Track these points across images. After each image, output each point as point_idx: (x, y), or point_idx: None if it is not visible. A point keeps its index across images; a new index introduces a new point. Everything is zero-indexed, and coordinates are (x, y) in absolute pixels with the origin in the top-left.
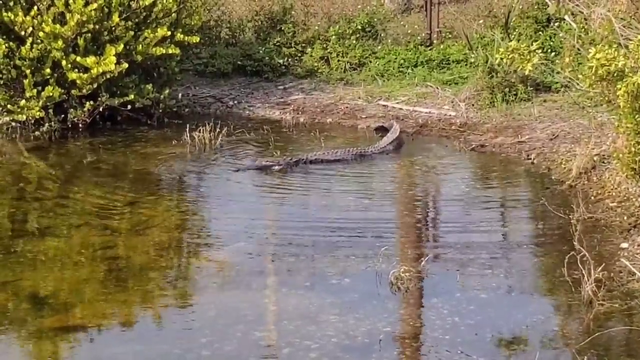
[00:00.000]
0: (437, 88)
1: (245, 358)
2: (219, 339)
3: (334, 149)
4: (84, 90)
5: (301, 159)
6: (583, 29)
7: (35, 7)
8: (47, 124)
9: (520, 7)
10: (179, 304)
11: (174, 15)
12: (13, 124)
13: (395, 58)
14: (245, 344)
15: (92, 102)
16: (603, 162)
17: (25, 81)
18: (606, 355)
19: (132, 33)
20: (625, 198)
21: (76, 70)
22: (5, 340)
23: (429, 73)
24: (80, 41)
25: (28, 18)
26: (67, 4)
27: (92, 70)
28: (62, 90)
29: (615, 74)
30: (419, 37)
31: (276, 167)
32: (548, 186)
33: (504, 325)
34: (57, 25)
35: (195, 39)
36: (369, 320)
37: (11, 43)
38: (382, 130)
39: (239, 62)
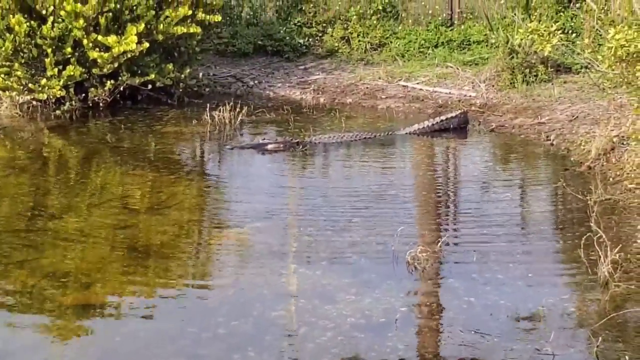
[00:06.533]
0: (458, 69)
1: (261, 337)
2: (236, 317)
3: (340, 133)
4: (105, 70)
5: (303, 140)
6: (603, 10)
7: None
8: (68, 103)
9: None
10: (197, 283)
11: None
12: (34, 102)
13: (416, 38)
14: (262, 322)
15: (112, 81)
16: (622, 144)
17: (47, 60)
18: (622, 336)
19: (153, 12)
20: None
21: (97, 49)
22: (25, 318)
23: (450, 53)
24: (102, 20)
25: None
26: None
27: (113, 49)
28: (83, 70)
29: (634, 55)
30: (440, 18)
31: (271, 146)
32: (567, 167)
33: (520, 306)
34: (78, 4)
35: (217, 18)
36: (385, 299)
37: (32, 22)
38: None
39: (260, 42)
